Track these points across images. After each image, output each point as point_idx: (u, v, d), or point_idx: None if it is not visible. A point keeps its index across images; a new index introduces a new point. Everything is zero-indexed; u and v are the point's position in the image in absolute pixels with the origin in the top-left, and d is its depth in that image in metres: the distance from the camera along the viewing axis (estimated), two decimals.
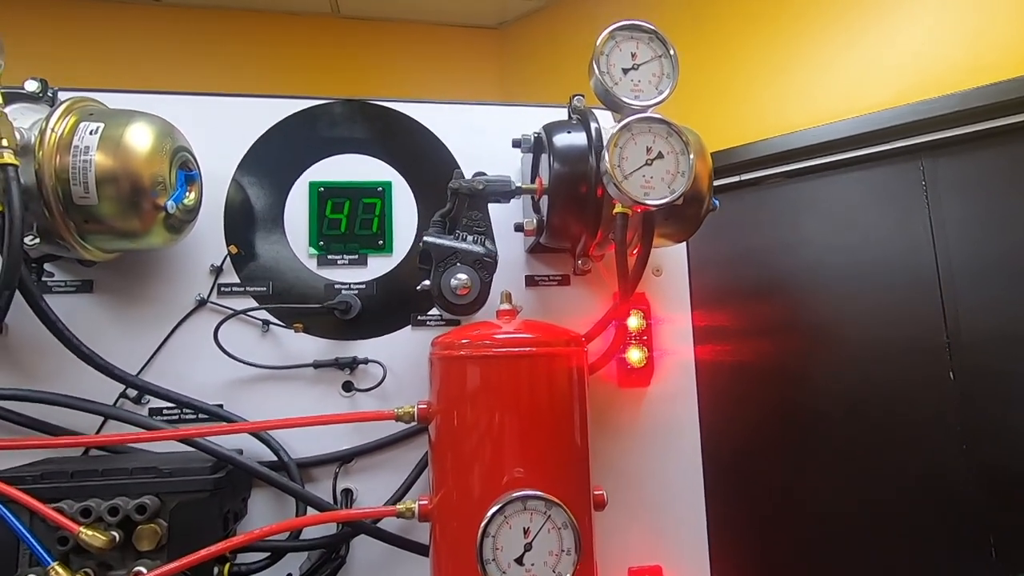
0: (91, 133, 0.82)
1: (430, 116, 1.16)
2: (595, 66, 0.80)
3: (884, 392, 1.68)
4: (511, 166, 1.16)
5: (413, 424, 0.89)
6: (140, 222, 0.86)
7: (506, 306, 0.93)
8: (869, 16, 1.78)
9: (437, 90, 2.71)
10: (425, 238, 0.93)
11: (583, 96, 1.02)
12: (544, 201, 0.98)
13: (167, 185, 0.87)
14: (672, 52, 0.82)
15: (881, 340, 1.70)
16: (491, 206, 1.08)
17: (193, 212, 0.96)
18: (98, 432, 0.96)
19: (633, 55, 0.81)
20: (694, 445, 1.14)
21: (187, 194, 0.94)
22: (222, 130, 1.09)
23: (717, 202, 0.96)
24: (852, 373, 1.72)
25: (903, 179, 1.73)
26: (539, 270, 1.15)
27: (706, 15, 2.11)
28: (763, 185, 1.97)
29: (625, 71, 0.81)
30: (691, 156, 0.79)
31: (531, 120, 1.18)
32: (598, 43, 0.80)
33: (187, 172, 0.93)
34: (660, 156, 0.79)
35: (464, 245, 0.94)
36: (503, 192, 0.97)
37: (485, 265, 0.94)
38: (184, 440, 0.88)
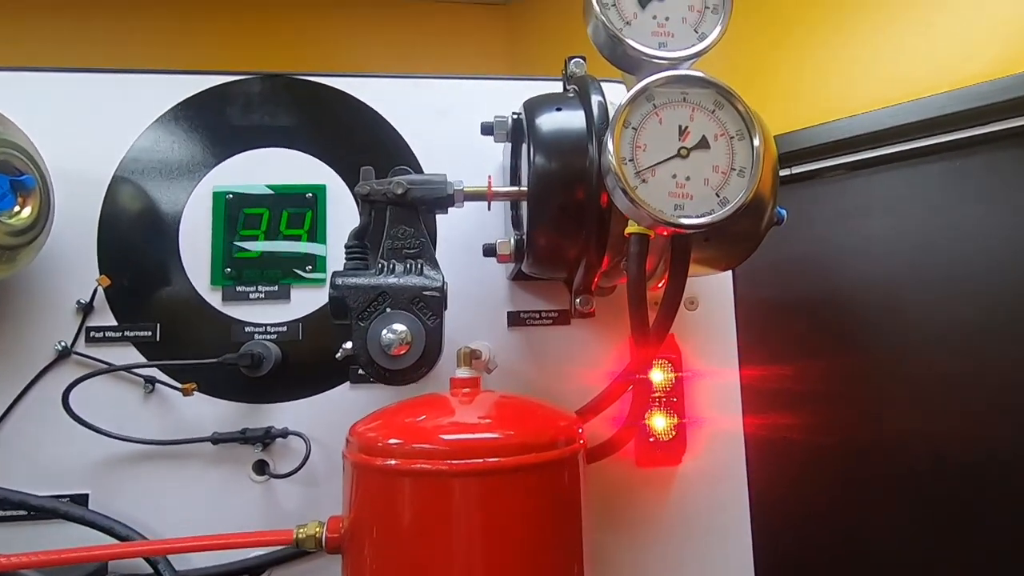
0: None
1: (380, 95, 0.86)
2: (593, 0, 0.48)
3: (980, 440, 1.32)
4: (491, 160, 0.85)
5: None
6: None
7: (464, 372, 0.63)
8: None
9: (444, 70, 2.41)
10: (334, 280, 0.63)
11: (583, 59, 0.70)
12: (525, 212, 0.67)
13: None
14: None
15: (976, 371, 1.33)
16: (457, 222, 0.78)
17: (30, 232, 0.68)
18: None
19: None
20: (743, 544, 0.82)
21: (14, 208, 0.66)
22: (99, 119, 0.81)
23: (783, 212, 0.64)
24: (939, 418, 1.36)
25: (1004, 169, 1.36)
26: (527, 303, 0.84)
27: None
28: (821, 179, 1.61)
29: (643, 3, 0.49)
30: (756, 142, 0.47)
31: (521, 98, 0.87)
32: None
33: (12, 177, 0.65)
34: (703, 143, 0.47)
35: (392, 279, 0.64)
36: (435, 199, 0.65)
37: (428, 303, 0.63)
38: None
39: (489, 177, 0.69)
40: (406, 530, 0.53)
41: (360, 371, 0.80)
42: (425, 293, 0.63)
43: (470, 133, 0.84)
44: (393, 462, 0.53)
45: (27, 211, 0.67)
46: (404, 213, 0.66)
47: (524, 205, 0.69)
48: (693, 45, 0.49)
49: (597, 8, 0.48)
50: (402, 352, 0.61)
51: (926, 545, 1.29)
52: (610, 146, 0.46)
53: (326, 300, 0.80)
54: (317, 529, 0.59)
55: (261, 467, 0.78)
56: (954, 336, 1.34)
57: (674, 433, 0.80)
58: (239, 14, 2.34)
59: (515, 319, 0.83)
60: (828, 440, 1.42)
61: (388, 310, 0.62)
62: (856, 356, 1.45)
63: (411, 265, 0.65)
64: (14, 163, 0.66)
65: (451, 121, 0.86)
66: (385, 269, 0.65)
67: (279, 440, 0.77)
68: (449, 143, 0.85)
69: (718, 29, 0.50)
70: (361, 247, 0.68)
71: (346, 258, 0.69)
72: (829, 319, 1.52)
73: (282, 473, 0.76)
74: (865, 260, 1.50)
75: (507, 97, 0.88)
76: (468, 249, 0.82)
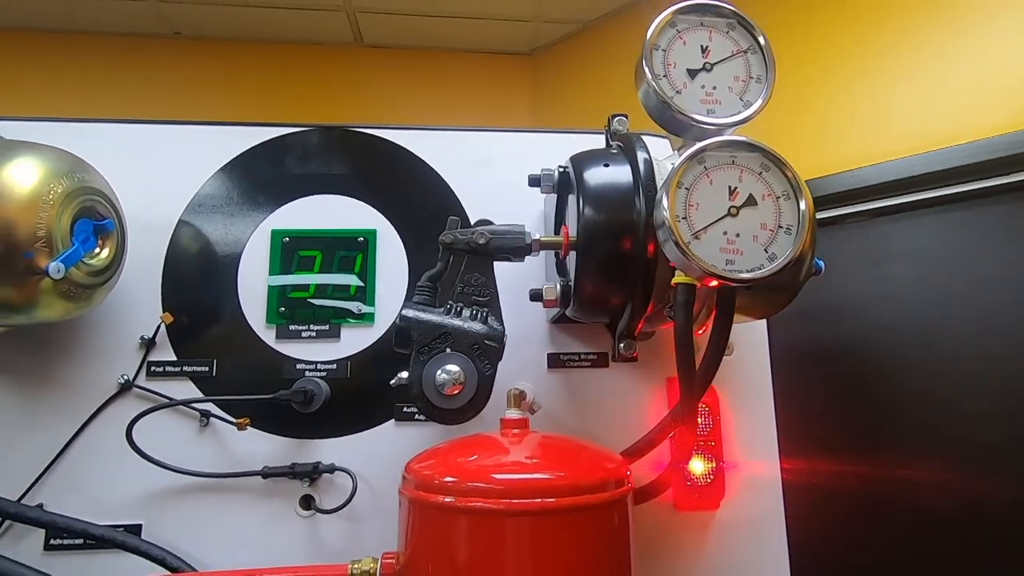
0: None
1: (427, 146, 0.91)
2: (645, 68, 0.52)
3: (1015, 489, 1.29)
4: (532, 210, 0.90)
5: None
6: (15, 291, 0.63)
7: (514, 414, 0.65)
8: (980, 25, 1.46)
9: (467, 120, 2.50)
10: (403, 312, 0.66)
11: (626, 117, 0.75)
12: (572, 260, 0.70)
13: (53, 241, 0.64)
14: (763, 43, 0.55)
15: (1008, 421, 1.32)
16: (499, 265, 0.81)
17: (107, 272, 0.73)
18: None
19: (704, 50, 0.54)
20: None
21: (95, 250, 0.70)
22: (167, 166, 0.87)
23: (821, 264, 0.66)
24: (965, 467, 1.34)
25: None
26: (567, 346, 0.86)
27: (773, 21, 1.82)
28: (842, 225, 1.64)
29: (692, 73, 0.53)
30: (802, 205, 0.50)
31: (558, 150, 0.92)
32: (650, 33, 0.54)
33: (95, 221, 0.70)
34: (751, 202, 0.50)
35: (458, 322, 0.67)
36: (515, 248, 0.69)
37: (487, 351, 0.66)
38: None
39: (565, 228, 0.72)
40: (461, 566, 0.54)
41: (404, 408, 0.83)
42: (486, 342, 0.66)
43: (511, 182, 0.89)
44: (449, 499, 0.55)
45: (105, 252, 0.72)
46: (480, 262, 0.70)
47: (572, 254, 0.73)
48: (739, 112, 0.53)
49: (649, 76, 0.53)
50: (454, 393, 0.64)
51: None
52: (665, 204, 0.49)
53: (374, 340, 0.84)
54: (372, 565, 0.60)
55: (307, 502, 0.79)
56: (980, 383, 1.34)
57: (712, 477, 0.80)
58: (278, 77, 2.45)
59: (555, 361, 0.85)
60: (858, 487, 1.40)
61: (448, 350, 0.65)
62: (881, 403, 1.44)
63: (477, 312, 0.68)
64: (98, 208, 0.71)
65: (494, 171, 0.91)
66: (452, 311, 0.68)
67: (325, 475, 0.80)
68: (492, 192, 0.90)
69: (762, 98, 0.54)
70: (432, 288, 0.72)
71: (416, 293, 0.72)
72: (852, 365, 1.51)
73: (328, 508, 0.78)
74: (888, 306, 1.50)
75: (545, 149, 0.93)
76: (509, 291, 0.85)
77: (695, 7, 0.55)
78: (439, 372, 0.64)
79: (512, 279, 0.86)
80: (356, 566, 0.61)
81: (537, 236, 0.70)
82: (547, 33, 2.43)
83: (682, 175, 0.50)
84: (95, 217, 0.70)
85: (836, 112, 1.67)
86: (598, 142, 0.88)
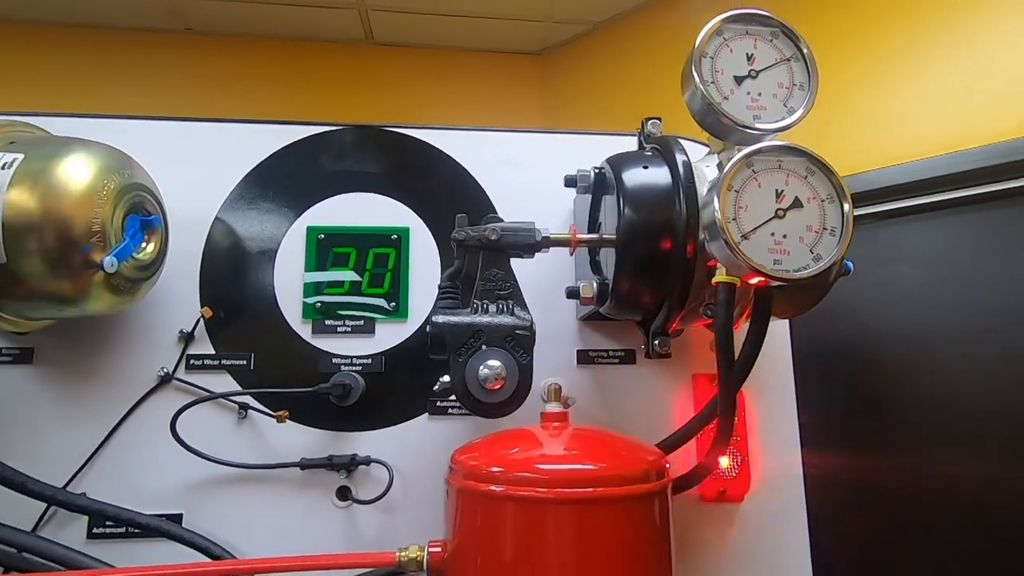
0: (4, 167, 0.61)
1: (458, 146, 0.93)
2: (695, 73, 0.54)
3: (1005, 485, 1.32)
4: (559, 208, 0.92)
5: None
6: (70, 284, 0.64)
7: (555, 407, 0.67)
8: (987, 34, 1.49)
9: (476, 119, 2.51)
10: (433, 318, 0.68)
11: (660, 120, 0.77)
12: (607, 258, 0.72)
13: (107, 235, 0.65)
14: (806, 52, 0.57)
15: (1005, 422, 1.35)
16: (527, 263, 0.83)
17: (152, 267, 0.75)
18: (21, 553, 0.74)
19: (750, 57, 0.56)
20: None
21: (143, 245, 0.72)
22: (204, 163, 0.88)
23: (851, 265, 0.69)
24: (973, 466, 1.37)
25: None
26: (595, 343, 0.89)
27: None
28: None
29: (739, 80, 0.55)
30: (845, 206, 0.52)
31: (583, 150, 0.94)
32: (699, 40, 0.56)
33: (143, 217, 0.72)
34: (797, 205, 0.53)
35: (487, 318, 0.69)
36: (525, 244, 0.71)
37: (520, 341, 0.68)
38: None
39: (573, 226, 0.75)
40: (509, 552, 0.56)
41: (438, 403, 0.85)
42: (518, 332, 0.68)
43: (540, 181, 0.91)
44: (499, 489, 0.57)
45: (151, 248, 0.74)
46: (496, 257, 0.72)
47: (605, 252, 0.75)
48: (783, 119, 0.55)
49: (698, 82, 0.55)
50: (497, 387, 0.66)
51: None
52: (716, 206, 0.51)
53: (408, 335, 0.86)
54: (418, 552, 0.62)
55: (344, 493, 0.81)
56: (987, 382, 1.36)
57: (737, 470, 0.83)
58: (289, 73, 2.46)
59: (584, 357, 0.88)
60: (864, 480, 1.43)
61: (484, 347, 0.67)
62: (890, 401, 1.47)
63: (502, 305, 0.70)
64: (145, 204, 0.72)
65: (524, 170, 0.93)
66: (479, 308, 0.70)
67: (361, 467, 0.81)
68: (522, 190, 0.92)
69: (805, 105, 0.56)
70: (454, 287, 0.74)
71: (440, 296, 0.75)
72: (863, 366, 1.54)
73: (365, 499, 0.80)
74: (897, 307, 1.53)
75: (575, 149, 0.95)
76: (538, 289, 0.87)
77: (741, 16, 0.57)
78: (481, 368, 0.66)
79: (541, 278, 0.88)
80: (403, 553, 0.63)
81: (548, 233, 0.72)
82: (557, 33, 2.44)
83: (732, 178, 0.52)
84: (143, 213, 0.72)
85: (839, 116, 1.69)
86: (628, 143, 0.90)
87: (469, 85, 2.56)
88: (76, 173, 0.63)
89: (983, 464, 1.32)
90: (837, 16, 1.71)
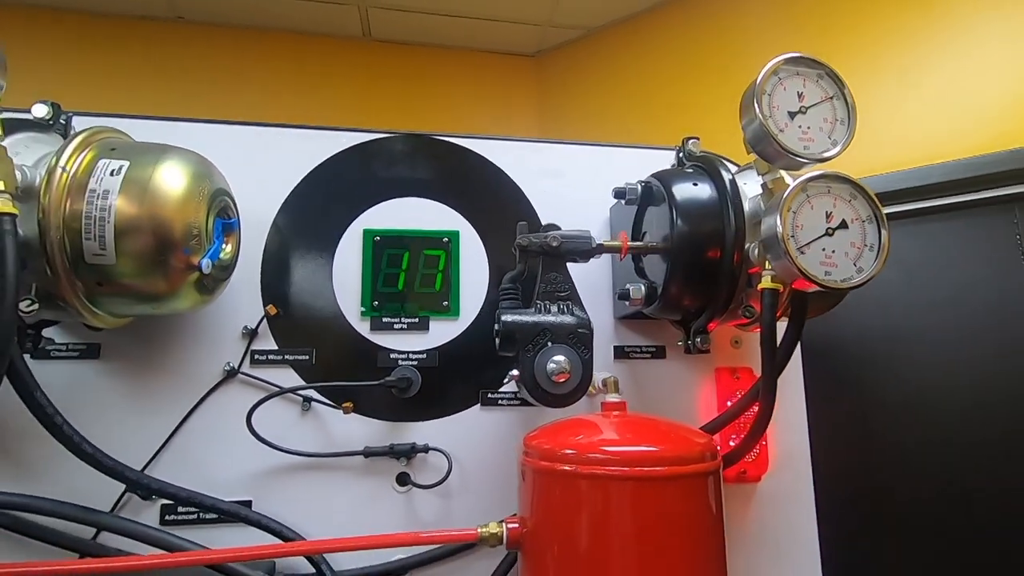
0: (112, 174, 0.64)
1: (502, 155, 0.99)
2: (756, 107, 0.63)
3: (972, 468, 1.48)
4: (596, 216, 0.99)
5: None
6: (167, 284, 0.68)
7: (614, 397, 0.75)
8: (959, 54, 1.64)
9: (473, 117, 2.56)
10: (503, 317, 0.75)
11: (698, 139, 0.86)
12: (655, 265, 0.80)
13: (203, 238, 0.69)
14: (846, 92, 0.66)
15: (968, 411, 1.50)
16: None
17: (229, 269, 0.79)
18: (94, 539, 0.77)
19: (800, 95, 0.65)
20: (812, 558, 0.95)
21: (224, 247, 0.76)
22: (262, 166, 0.92)
23: None
24: (934, 449, 1.52)
25: (995, 232, 1.56)
26: (630, 340, 0.97)
27: (753, 45, 1.96)
28: None
29: (792, 115, 0.64)
30: (883, 230, 0.62)
31: (619, 163, 1.02)
32: (759, 79, 0.64)
33: (225, 220, 0.76)
34: (844, 225, 0.62)
35: (551, 318, 0.76)
36: (582, 251, 0.79)
37: (581, 338, 0.77)
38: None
39: (623, 234, 0.83)
40: (584, 525, 0.64)
41: (489, 394, 0.91)
42: (579, 330, 0.76)
43: (579, 191, 0.99)
44: (572, 468, 0.65)
45: (229, 249, 0.78)
46: (555, 262, 0.79)
47: (650, 259, 0.83)
48: (828, 149, 0.64)
49: (761, 116, 0.63)
50: (563, 380, 0.73)
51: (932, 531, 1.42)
52: (778, 224, 0.60)
53: (459, 332, 0.93)
54: (498, 528, 0.69)
55: (403, 479, 0.87)
56: (956, 379, 1.51)
57: (757, 452, 0.92)
58: (283, 66, 2.45)
59: (620, 353, 0.96)
60: (849, 471, 1.57)
61: (550, 344, 0.75)
62: (867, 398, 1.61)
63: (563, 306, 0.78)
64: (228, 208, 0.77)
65: (564, 180, 1.00)
66: (543, 309, 0.77)
67: (420, 455, 0.88)
68: (562, 199, 0.99)
69: (845, 139, 0.65)
70: (516, 289, 0.81)
71: (502, 297, 0.81)
72: (841, 364, 1.67)
73: (426, 484, 0.86)
74: (880, 308, 1.67)
75: (610, 162, 1.02)
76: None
77: (793, 59, 0.65)
78: (549, 363, 0.73)
79: (577, 282, 0.95)
80: (484, 529, 0.69)
81: (600, 241, 0.80)
82: (552, 37, 2.51)
83: (791, 201, 0.60)
84: (227, 216, 0.76)
85: None
86: (658, 156, 0.99)
87: (466, 85, 2.60)
88: (176, 179, 0.67)
89: (952, 457, 1.46)
90: (808, 35, 1.84)
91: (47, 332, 0.77)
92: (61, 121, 0.74)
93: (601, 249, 0.80)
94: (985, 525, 1.41)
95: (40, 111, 0.72)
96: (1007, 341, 1.47)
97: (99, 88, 2.24)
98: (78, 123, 0.77)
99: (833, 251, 0.61)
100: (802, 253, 0.60)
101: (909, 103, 1.71)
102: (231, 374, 0.86)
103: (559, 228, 0.82)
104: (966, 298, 1.54)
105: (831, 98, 0.65)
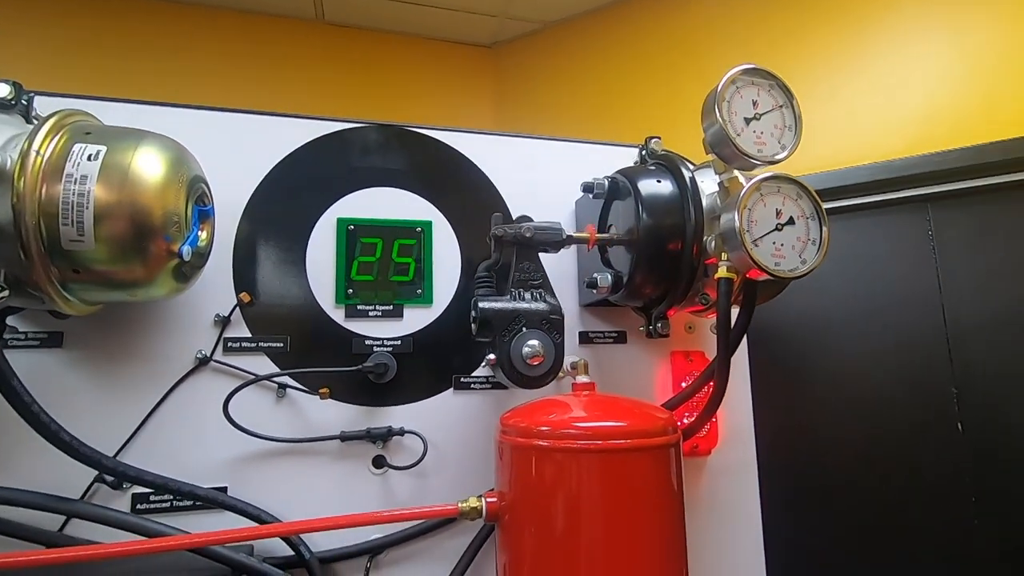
0: (90, 158, 0.63)
1: (474, 147, 1.02)
2: (717, 113, 0.69)
3: (889, 443, 1.65)
4: (562, 208, 1.04)
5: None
6: (145, 271, 0.68)
7: (584, 378, 0.80)
8: (885, 65, 1.79)
9: (429, 106, 2.56)
10: (480, 304, 0.79)
11: (660, 138, 0.92)
12: (621, 256, 0.86)
13: (183, 225, 0.69)
14: (795, 102, 0.73)
15: (886, 391, 1.67)
16: None
17: (204, 256, 0.79)
18: (61, 530, 0.76)
19: (754, 103, 0.72)
20: (755, 525, 1.05)
21: (200, 234, 0.76)
22: (233, 152, 0.92)
23: None
24: (857, 425, 1.68)
25: (911, 228, 1.73)
26: (594, 326, 1.03)
27: (702, 46, 2.07)
28: None
29: (747, 121, 0.71)
30: (823, 226, 0.70)
31: (584, 158, 1.07)
32: (720, 87, 0.70)
33: (201, 207, 0.76)
34: (791, 221, 0.69)
35: (525, 304, 0.81)
36: (554, 242, 0.84)
37: (554, 324, 0.82)
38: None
39: (591, 227, 0.88)
40: (559, 495, 0.69)
41: (462, 379, 0.95)
42: (552, 316, 0.81)
43: (546, 184, 1.04)
44: (547, 443, 0.70)
45: (204, 235, 0.78)
46: (528, 252, 0.84)
47: (616, 250, 0.89)
48: (779, 153, 0.72)
49: (721, 121, 0.69)
50: (537, 363, 0.78)
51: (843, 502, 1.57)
52: (736, 220, 0.66)
53: (433, 319, 0.96)
54: (477, 503, 0.74)
55: (379, 462, 0.90)
56: (866, 356, 1.67)
57: (708, 428, 1.01)
58: (231, 46, 2.37)
59: (584, 338, 1.02)
60: (784, 444, 1.70)
61: (524, 329, 0.79)
62: (790, 372, 1.75)
63: (536, 294, 0.83)
64: (204, 195, 0.76)
65: (534, 173, 1.04)
66: (517, 296, 0.82)
67: (395, 438, 0.90)
68: (530, 191, 1.03)
69: (792, 143, 0.72)
70: (490, 277, 0.85)
71: (477, 285, 0.85)
72: (769, 345, 1.81)
73: (402, 466, 0.89)
74: (801, 295, 1.81)
75: (583, 157, 1.07)
76: None
77: (748, 71, 0.72)
78: (524, 347, 0.78)
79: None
80: (464, 504, 0.74)
81: (570, 232, 0.85)
82: (509, 28, 2.54)
83: (747, 199, 0.67)
84: (203, 203, 0.76)
85: None
86: (619, 153, 1.05)
87: (421, 72, 2.59)
88: (156, 165, 0.67)
89: (871, 433, 1.62)
90: (742, 39, 1.96)
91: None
92: (23, 102, 0.72)
93: (571, 240, 0.85)
94: (889, 501, 1.57)
95: (1, 90, 0.70)
96: (917, 327, 1.64)
97: (33, 61, 2.09)
98: (40, 104, 0.75)
99: (782, 244, 0.68)
100: (756, 246, 0.67)
101: (838, 108, 1.85)
102: (203, 362, 0.85)
103: (532, 220, 0.86)
104: (884, 287, 1.70)
105: (781, 107, 0.73)
